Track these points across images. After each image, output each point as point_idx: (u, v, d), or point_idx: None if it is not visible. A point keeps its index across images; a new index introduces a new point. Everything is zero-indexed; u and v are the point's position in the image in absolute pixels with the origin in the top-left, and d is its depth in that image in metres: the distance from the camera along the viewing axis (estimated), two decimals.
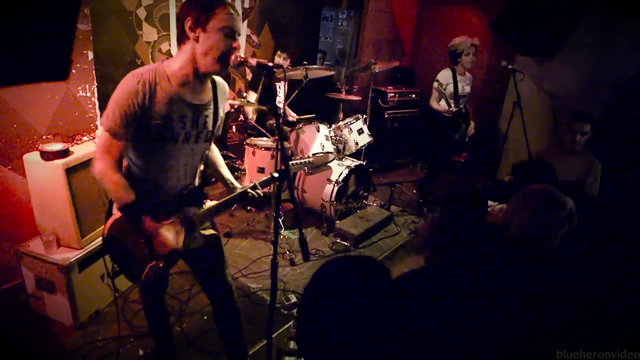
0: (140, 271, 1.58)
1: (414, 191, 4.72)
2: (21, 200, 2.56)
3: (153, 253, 1.58)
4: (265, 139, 3.79)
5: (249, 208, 4.00)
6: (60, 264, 2.27)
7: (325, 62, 5.49)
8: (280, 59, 3.89)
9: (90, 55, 2.69)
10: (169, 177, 1.65)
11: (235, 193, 1.82)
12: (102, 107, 2.82)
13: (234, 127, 4.42)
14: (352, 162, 3.83)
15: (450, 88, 3.94)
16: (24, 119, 2.49)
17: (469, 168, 4.77)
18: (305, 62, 3.51)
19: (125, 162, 1.61)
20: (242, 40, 4.19)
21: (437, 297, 1.18)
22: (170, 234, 1.58)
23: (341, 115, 4.25)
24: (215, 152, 1.92)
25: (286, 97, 3.71)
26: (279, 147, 2.67)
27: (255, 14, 4.29)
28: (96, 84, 2.77)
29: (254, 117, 3.92)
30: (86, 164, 2.35)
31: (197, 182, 1.78)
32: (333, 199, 3.61)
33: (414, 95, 5.47)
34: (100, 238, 2.45)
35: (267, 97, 4.05)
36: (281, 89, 3.95)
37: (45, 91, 2.55)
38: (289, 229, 3.63)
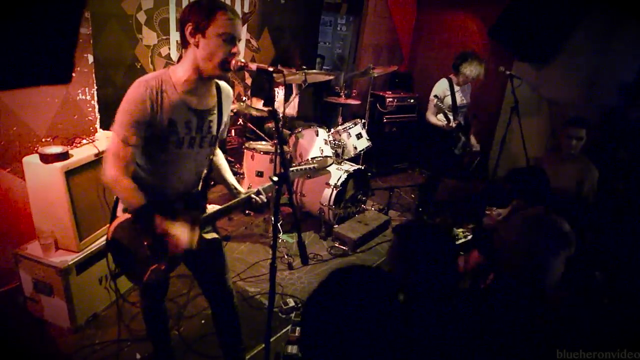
0: (142, 274, 1.59)
1: (412, 195, 4.73)
2: (20, 203, 2.55)
3: (163, 252, 1.58)
4: (264, 142, 3.79)
5: (247, 212, 4.00)
6: (58, 267, 2.26)
7: (323, 67, 5.52)
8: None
9: (90, 58, 2.70)
10: (174, 181, 1.66)
11: (239, 198, 1.83)
12: (102, 111, 2.82)
13: (232, 131, 4.43)
14: (351, 167, 3.84)
15: (449, 100, 3.80)
16: (24, 122, 2.48)
17: (470, 174, 4.77)
18: (304, 67, 3.53)
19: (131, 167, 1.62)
20: (241, 45, 4.21)
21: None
22: (185, 230, 1.58)
23: (340, 120, 4.26)
24: (220, 157, 1.93)
25: (285, 100, 3.72)
26: (278, 151, 2.67)
27: (255, 19, 4.31)
28: (96, 87, 2.77)
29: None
30: (85, 167, 2.36)
31: (200, 186, 1.79)
32: (332, 203, 3.61)
33: (412, 100, 5.49)
34: (99, 241, 2.49)
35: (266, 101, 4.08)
36: (279, 92, 3.97)
37: (45, 94, 2.55)
38: (288, 233, 3.63)
